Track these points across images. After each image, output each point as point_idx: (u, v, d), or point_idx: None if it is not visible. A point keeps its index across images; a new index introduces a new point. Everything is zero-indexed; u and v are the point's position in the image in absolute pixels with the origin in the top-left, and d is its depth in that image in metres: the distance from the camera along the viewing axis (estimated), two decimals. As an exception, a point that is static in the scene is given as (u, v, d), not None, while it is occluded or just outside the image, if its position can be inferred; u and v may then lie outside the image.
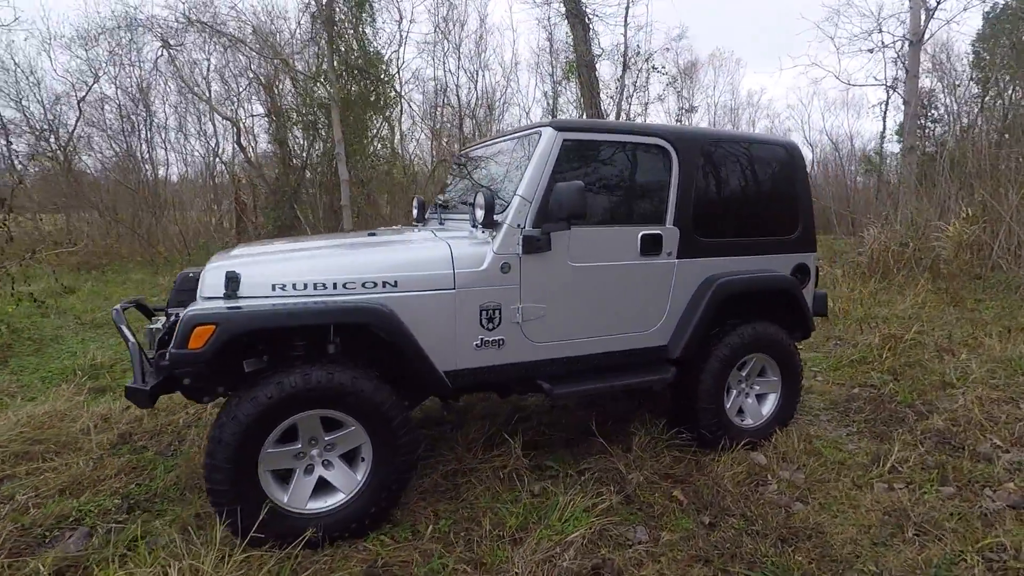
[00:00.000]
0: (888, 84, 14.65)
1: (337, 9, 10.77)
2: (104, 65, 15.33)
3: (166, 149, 18.02)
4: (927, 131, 18.72)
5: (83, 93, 15.93)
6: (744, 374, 3.58)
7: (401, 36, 12.96)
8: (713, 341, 3.42)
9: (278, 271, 2.61)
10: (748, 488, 3.04)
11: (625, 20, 13.03)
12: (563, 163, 3.03)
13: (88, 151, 16.96)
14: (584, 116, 13.05)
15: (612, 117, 13.20)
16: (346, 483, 2.61)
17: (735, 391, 3.58)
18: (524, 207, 2.91)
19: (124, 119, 16.48)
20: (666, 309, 3.32)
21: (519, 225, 2.90)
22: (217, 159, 16.64)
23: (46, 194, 17.04)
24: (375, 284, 2.68)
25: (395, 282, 2.71)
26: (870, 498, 2.92)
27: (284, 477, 2.57)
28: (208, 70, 14.80)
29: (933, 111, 18.81)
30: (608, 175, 3.19)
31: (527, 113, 18.36)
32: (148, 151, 17.15)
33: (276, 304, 2.50)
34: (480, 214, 2.93)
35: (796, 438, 3.52)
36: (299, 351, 2.71)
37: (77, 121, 16.37)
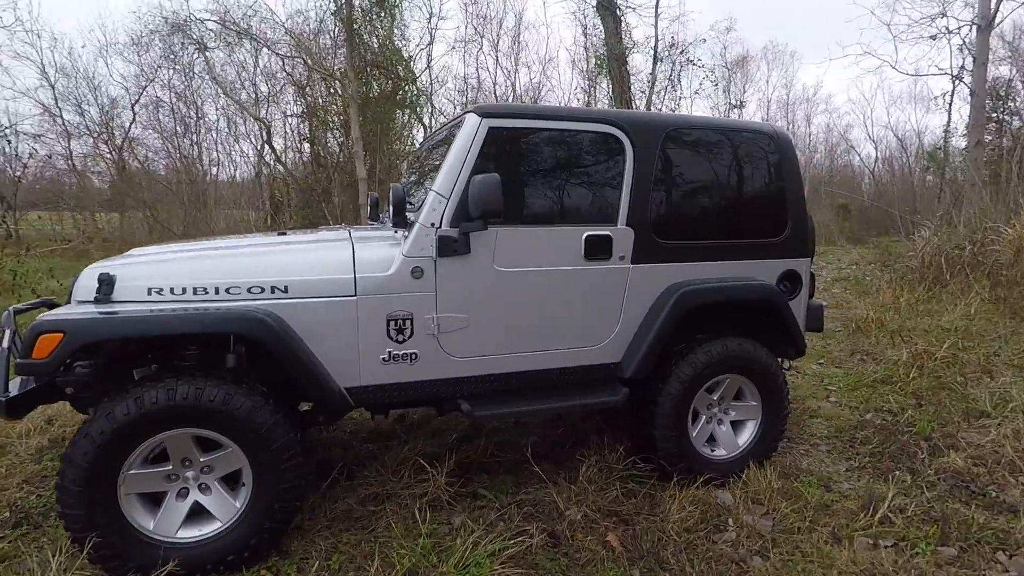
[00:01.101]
0: (953, 74, 13.37)
1: (358, 8, 10.70)
2: (155, 70, 16.00)
3: (216, 150, 18.68)
4: (1004, 125, 17.10)
5: (136, 97, 16.69)
6: (715, 397, 3.12)
7: (431, 34, 12.79)
8: (675, 359, 2.98)
9: (155, 273, 2.38)
10: (700, 535, 2.59)
11: (656, 10, 12.41)
12: (489, 154, 2.67)
13: (141, 152, 17.72)
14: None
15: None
16: (224, 510, 2.35)
17: (704, 416, 3.11)
18: (439, 204, 2.58)
19: (177, 121, 17.16)
20: (618, 321, 2.90)
21: (433, 224, 2.57)
22: (261, 160, 17.07)
23: (102, 194, 17.97)
24: (262, 289, 2.41)
25: (285, 287, 2.43)
26: (846, 556, 2.43)
27: (159, 500, 2.34)
28: (251, 72, 15.18)
29: (1011, 103, 17.17)
30: (546, 167, 2.81)
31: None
32: (197, 152, 17.79)
33: (147, 310, 2.27)
34: (391, 212, 2.62)
35: (773, 473, 3.02)
36: (189, 360, 2.48)
37: (131, 124, 17.11)
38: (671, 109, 13.48)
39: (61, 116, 16.68)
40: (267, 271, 2.43)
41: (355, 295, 2.49)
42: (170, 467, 2.31)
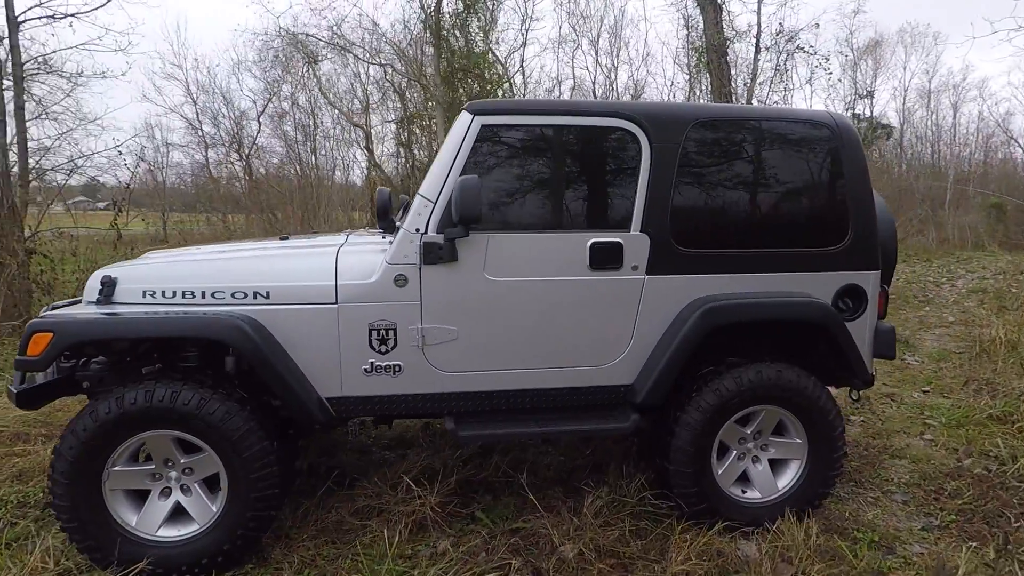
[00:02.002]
0: None
1: (446, 14, 10.89)
2: (278, 83, 17.42)
3: (331, 156, 19.99)
4: None
5: (262, 108, 18.28)
6: (749, 431, 2.69)
7: (523, 36, 12.76)
8: (698, 385, 2.61)
9: (150, 277, 2.46)
10: (703, 593, 2.23)
11: (760, -4, 11.42)
12: (483, 154, 2.49)
13: (265, 159, 19.38)
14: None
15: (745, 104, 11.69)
16: (202, 513, 2.37)
17: (734, 452, 2.70)
18: (424, 208, 2.43)
19: (296, 129, 18.59)
20: (630, 339, 2.59)
21: (418, 230, 2.42)
22: (371, 164, 18.03)
23: (232, 197, 19.90)
24: (245, 295, 2.40)
25: (267, 293, 2.40)
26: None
27: (145, 498, 2.41)
28: (364, 81, 16.04)
29: None
30: (547, 168, 2.57)
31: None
32: (314, 158, 19.14)
33: (143, 312, 2.35)
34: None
35: (815, 525, 2.55)
36: (190, 362, 2.54)
37: (257, 133, 18.77)
38: (775, 102, 12.39)
39: (201, 128, 18.71)
40: (250, 277, 2.42)
41: (336, 303, 2.41)
42: (153, 467, 2.36)
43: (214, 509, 2.36)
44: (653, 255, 2.56)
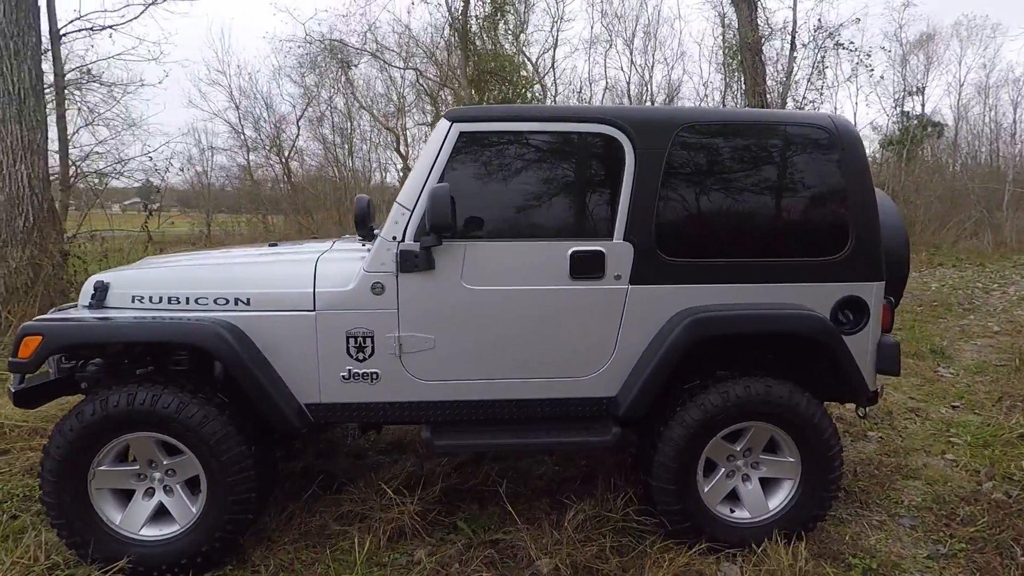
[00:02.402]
0: None
1: (474, 17, 10.94)
2: (316, 88, 17.85)
3: (368, 158, 20.35)
4: None
5: (300, 113, 18.75)
6: (738, 448, 2.58)
7: (554, 37, 12.70)
8: (683, 399, 2.52)
9: (139, 282, 2.53)
10: (676, 616, 2.15)
11: (796, -9, 11.04)
12: (462, 162, 2.47)
13: (304, 161, 19.87)
14: (746, 104, 11.40)
15: (778, 104, 11.28)
16: (183, 514, 2.42)
17: (722, 469, 2.60)
18: (401, 216, 2.43)
19: (334, 132, 19.00)
20: (612, 350, 2.53)
21: (395, 238, 2.42)
22: (405, 167, 18.27)
23: (272, 199, 20.49)
24: (227, 301, 2.44)
25: (248, 299, 2.44)
26: None
27: (130, 497, 2.48)
28: (399, 85, 16.28)
29: None
30: (527, 175, 2.53)
31: (702, 103, 16.78)
32: (351, 161, 19.53)
33: (131, 316, 2.42)
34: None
35: (804, 548, 2.42)
36: (181, 365, 2.61)
37: (296, 137, 19.28)
38: (811, 101, 11.89)
39: (243, 132, 19.33)
40: (231, 283, 2.46)
41: (314, 310, 2.43)
42: (137, 467, 2.43)
43: (194, 511, 2.41)
44: (637, 264, 2.48)
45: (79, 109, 11.89)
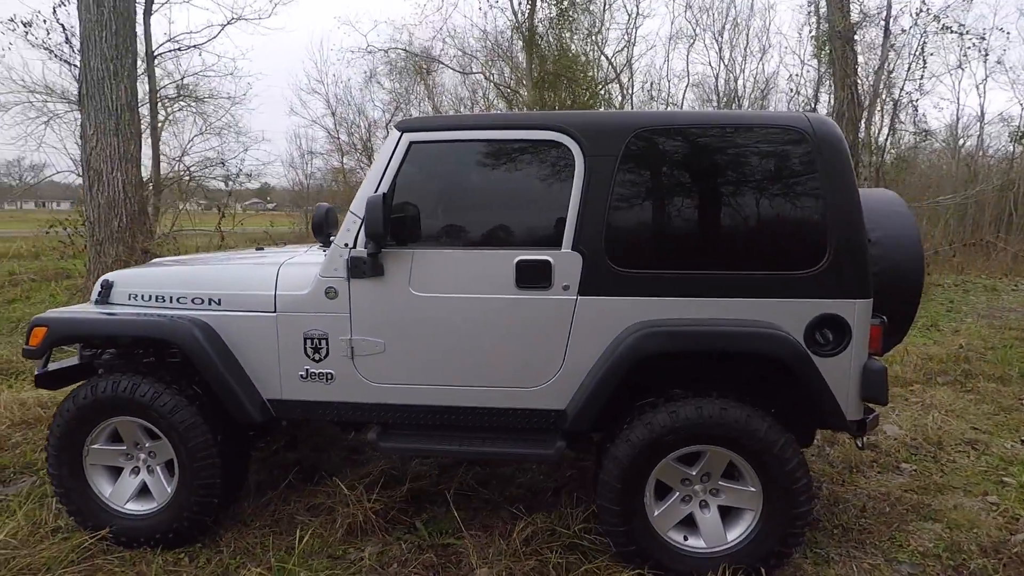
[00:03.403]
0: None
1: (541, 19, 10.93)
2: (404, 94, 18.66)
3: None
4: None
5: (389, 118, 19.67)
6: (694, 472, 2.43)
7: (629, 34, 12.42)
8: (631, 416, 2.41)
9: (136, 282, 2.81)
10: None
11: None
12: (415, 171, 2.51)
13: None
14: (835, 97, 10.52)
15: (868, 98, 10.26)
16: (160, 493, 2.67)
17: (677, 494, 2.45)
18: (353, 224, 2.51)
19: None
20: (561, 362, 2.47)
21: (347, 244, 2.51)
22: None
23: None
24: (202, 300, 2.66)
25: (219, 300, 2.64)
26: None
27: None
28: (484, 89, 16.65)
29: None
30: (478, 184, 2.53)
31: (794, 98, 15.71)
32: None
33: (130, 312, 2.70)
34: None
35: (755, 589, 2.23)
36: (176, 358, 2.86)
37: (385, 139, 20.32)
38: (909, 93, 10.65)
39: (338, 137, 20.59)
40: (207, 284, 2.68)
41: (275, 311, 2.58)
42: (125, 448, 2.70)
43: (169, 491, 2.65)
44: (586, 275, 2.41)
45: (194, 120, 13.33)
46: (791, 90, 14.95)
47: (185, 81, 10.95)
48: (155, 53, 9.20)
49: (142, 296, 2.75)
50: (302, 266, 2.65)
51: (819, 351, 2.36)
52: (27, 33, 8.23)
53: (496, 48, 12.42)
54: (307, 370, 2.59)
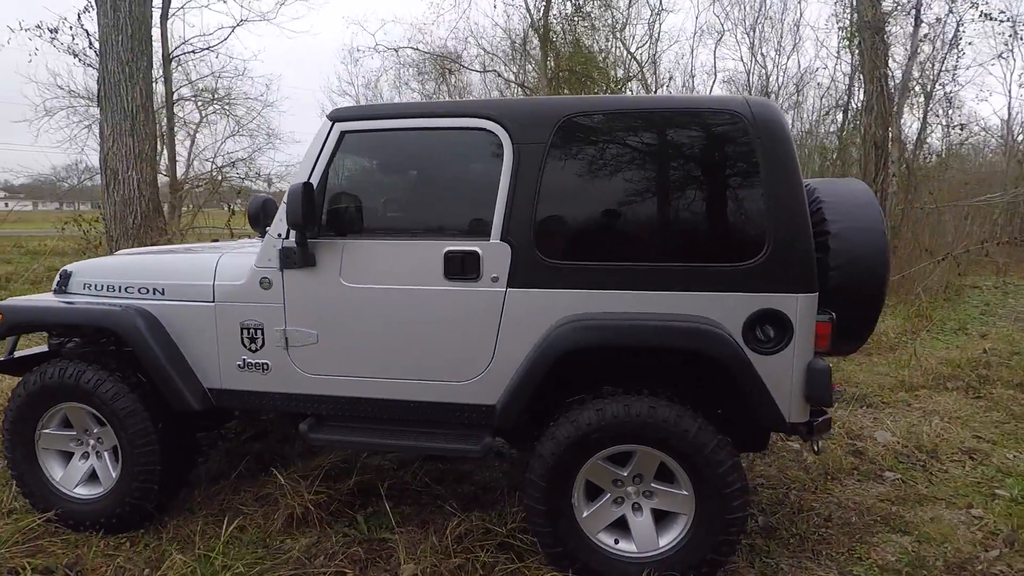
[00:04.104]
0: None
1: (557, 16, 10.82)
2: (432, 95, 18.85)
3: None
4: None
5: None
6: (626, 473, 2.32)
7: (651, 29, 12.20)
8: (558, 414, 2.33)
9: (91, 272, 2.87)
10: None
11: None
12: (347, 161, 2.49)
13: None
14: (864, 90, 10.06)
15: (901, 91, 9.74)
16: (106, 478, 2.72)
17: (608, 495, 2.35)
18: (285, 215, 2.50)
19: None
20: (491, 356, 2.40)
21: (280, 235, 2.51)
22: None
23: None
24: (147, 290, 2.70)
25: (163, 290, 2.68)
26: None
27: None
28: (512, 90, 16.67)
29: None
30: (406, 173, 2.49)
31: (826, 93, 15.14)
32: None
33: (82, 302, 2.77)
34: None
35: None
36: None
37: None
38: (943, 84, 10.02)
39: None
40: (152, 275, 2.72)
41: (213, 301, 2.60)
42: (75, 433, 2.77)
43: (114, 477, 2.70)
44: (515, 266, 2.34)
45: (226, 122, 13.78)
46: (818, 84, 14.38)
47: (198, 83, 11.38)
48: (171, 56, 9.57)
49: (95, 286, 2.81)
50: (239, 257, 2.66)
51: (759, 348, 2.23)
52: (53, 39, 8.66)
53: (513, 46, 12.40)
54: (244, 360, 2.60)
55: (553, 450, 2.27)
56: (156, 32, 7.75)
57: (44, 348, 3.05)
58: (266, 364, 2.58)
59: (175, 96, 10.27)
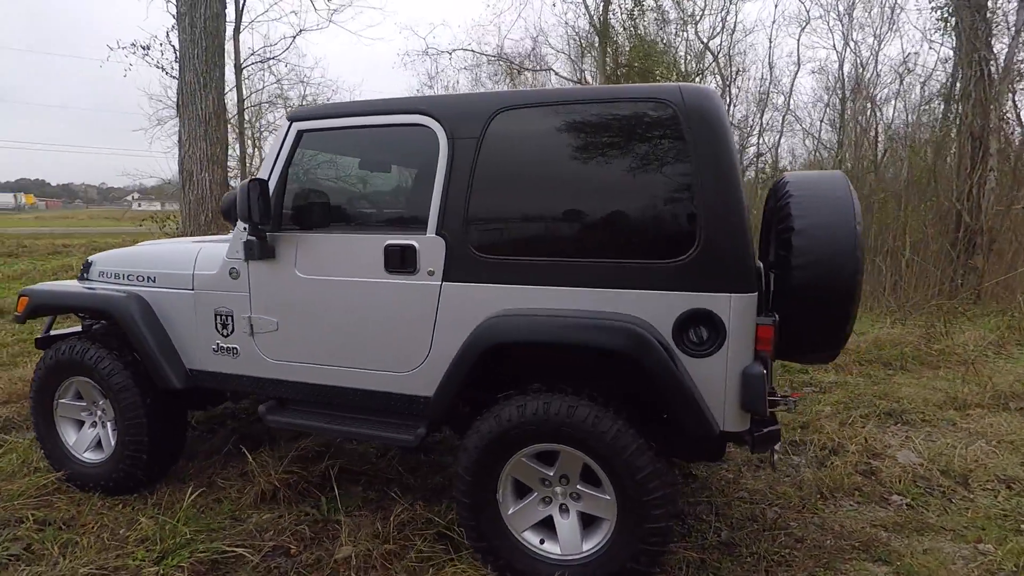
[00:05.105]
0: None
1: (618, 8, 10.57)
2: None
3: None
4: None
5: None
6: (552, 473, 2.28)
7: (728, 21, 11.67)
8: (485, 409, 2.32)
9: (105, 261, 3.21)
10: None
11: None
12: (306, 158, 2.62)
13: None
14: (960, 75, 9.04)
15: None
16: (107, 446, 3.04)
17: (536, 494, 2.31)
18: (250, 210, 2.67)
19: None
20: (428, 348, 2.44)
21: (245, 228, 2.68)
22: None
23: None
24: (143, 278, 2.98)
25: (155, 278, 2.95)
26: None
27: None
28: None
29: None
30: (355, 169, 2.57)
31: (927, 81, 13.73)
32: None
33: (85, 287, 3.11)
34: None
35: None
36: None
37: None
38: None
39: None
40: (147, 264, 3.00)
41: (192, 289, 2.83)
42: (85, 404, 3.11)
43: (112, 445, 3.00)
44: (449, 260, 2.36)
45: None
46: (908, 71, 13.03)
47: (275, 89, 12.26)
48: (242, 65, 10.42)
49: (108, 274, 3.14)
50: (217, 248, 2.87)
51: (690, 350, 2.11)
52: (145, 55, 9.69)
53: (581, 44, 12.23)
54: (218, 344, 2.80)
55: (477, 444, 2.27)
56: (229, 46, 8.44)
57: (78, 328, 3.45)
58: (236, 348, 2.77)
59: (247, 103, 11.20)
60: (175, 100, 7.69)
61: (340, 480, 3.10)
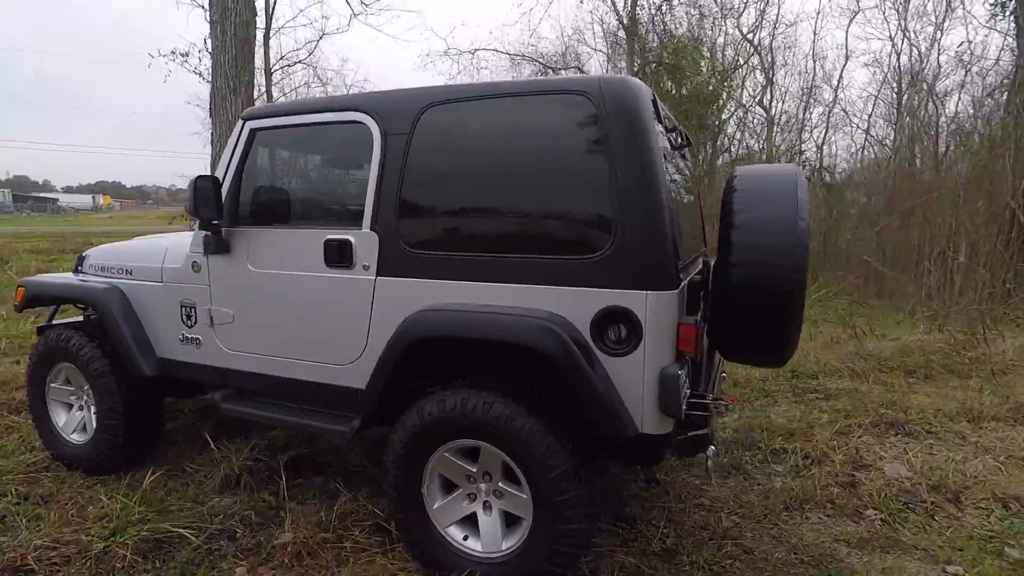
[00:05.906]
0: None
1: (641, 8, 10.32)
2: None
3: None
4: None
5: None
6: (476, 470, 2.26)
7: (759, 16, 11.24)
8: (413, 403, 2.33)
9: (97, 255, 3.41)
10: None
11: None
12: (258, 156, 2.71)
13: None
14: (1017, 64, 8.37)
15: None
16: (90, 429, 3.22)
17: (461, 490, 2.30)
18: (207, 205, 2.78)
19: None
20: (365, 342, 2.47)
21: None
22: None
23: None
24: (122, 271, 3.15)
25: (131, 271, 3.11)
26: None
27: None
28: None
29: None
30: (300, 165, 2.63)
31: (991, 72, 12.76)
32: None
33: (74, 279, 3.31)
34: None
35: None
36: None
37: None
38: None
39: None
40: (127, 258, 3.16)
41: (162, 282, 2.97)
42: (73, 388, 3.31)
43: (95, 426, 3.19)
44: (382, 255, 2.38)
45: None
46: (968, 61, 12.10)
47: (297, 92, 12.66)
48: (272, 70, 10.83)
49: (96, 267, 3.33)
50: (183, 242, 2.99)
51: (607, 349, 2.05)
52: (184, 61, 10.22)
53: (615, 40, 12.03)
54: (183, 334, 2.93)
55: (401, 437, 2.29)
56: (259, 51, 8.79)
57: (78, 318, 3.68)
58: (199, 339, 2.88)
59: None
60: (209, 103, 8.08)
61: (304, 469, 3.19)
